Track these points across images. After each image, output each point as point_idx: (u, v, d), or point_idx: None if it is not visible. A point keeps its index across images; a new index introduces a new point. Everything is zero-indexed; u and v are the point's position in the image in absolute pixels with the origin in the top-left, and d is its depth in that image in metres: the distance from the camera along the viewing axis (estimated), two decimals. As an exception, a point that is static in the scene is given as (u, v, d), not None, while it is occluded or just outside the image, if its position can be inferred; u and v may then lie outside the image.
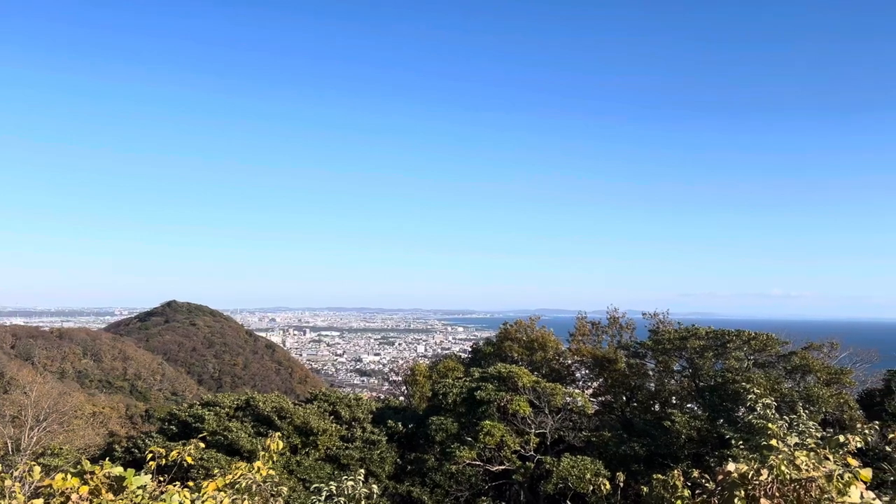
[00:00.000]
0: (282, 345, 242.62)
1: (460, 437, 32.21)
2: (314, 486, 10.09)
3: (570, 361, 45.89)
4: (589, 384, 45.74)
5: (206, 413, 33.82)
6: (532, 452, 31.87)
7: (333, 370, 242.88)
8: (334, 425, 34.27)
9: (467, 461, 31.36)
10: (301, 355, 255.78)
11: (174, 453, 9.17)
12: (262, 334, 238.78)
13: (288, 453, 32.15)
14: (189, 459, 9.21)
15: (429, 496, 31.32)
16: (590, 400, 39.54)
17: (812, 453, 5.61)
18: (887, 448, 9.00)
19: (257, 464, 9.13)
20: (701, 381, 36.66)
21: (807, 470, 5.10)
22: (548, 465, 29.66)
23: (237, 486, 8.69)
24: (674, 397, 39.67)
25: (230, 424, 32.75)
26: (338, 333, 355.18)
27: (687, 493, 8.28)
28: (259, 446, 29.03)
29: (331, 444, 33.15)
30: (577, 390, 40.01)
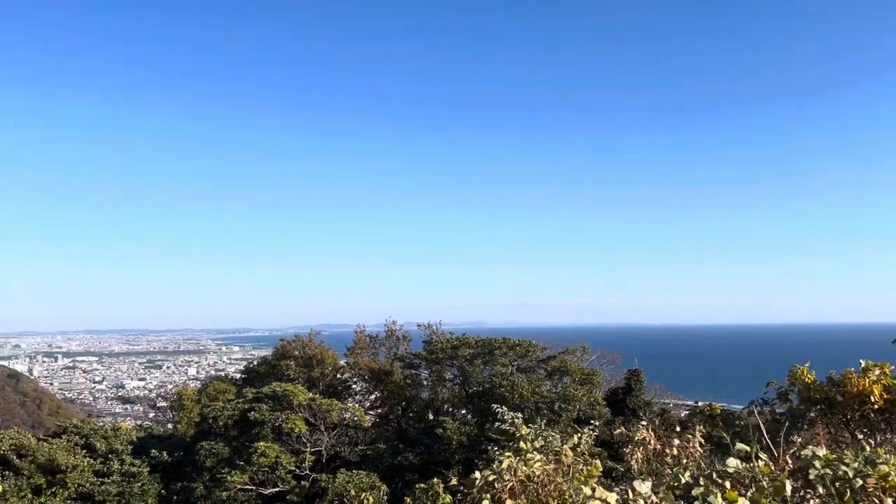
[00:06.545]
0: (28, 374, 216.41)
1: (232, 461, 30.77)
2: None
3: (347, 376, 45.94)
4: (367, 397, 46.16)
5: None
6: (307, 471, 31.30)
7: (91, 399, 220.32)
8: (87, 460, 31.09)
9: (239, 486, 30.02)
10: (52, 384, 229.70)
11: None
12: (4, 363, 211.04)
13: (30, 495, 28.57)
14: None
15: (197, 527, 29.51)
16: (367, 413, 39.86)
17: (551, 453, 6.06)
18: (623, 447, 10.04)
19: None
20: (471, 388, 38.52)
21: (542, 468, 5.51)
22: (323, 483, 29.31)
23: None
24: (446, 405, 41.31)
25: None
26: (96, 358, 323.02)
27: (448, 498, 8.55)
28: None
29: (83, 480, 30.02)
30: (354, 405, 40.14)
